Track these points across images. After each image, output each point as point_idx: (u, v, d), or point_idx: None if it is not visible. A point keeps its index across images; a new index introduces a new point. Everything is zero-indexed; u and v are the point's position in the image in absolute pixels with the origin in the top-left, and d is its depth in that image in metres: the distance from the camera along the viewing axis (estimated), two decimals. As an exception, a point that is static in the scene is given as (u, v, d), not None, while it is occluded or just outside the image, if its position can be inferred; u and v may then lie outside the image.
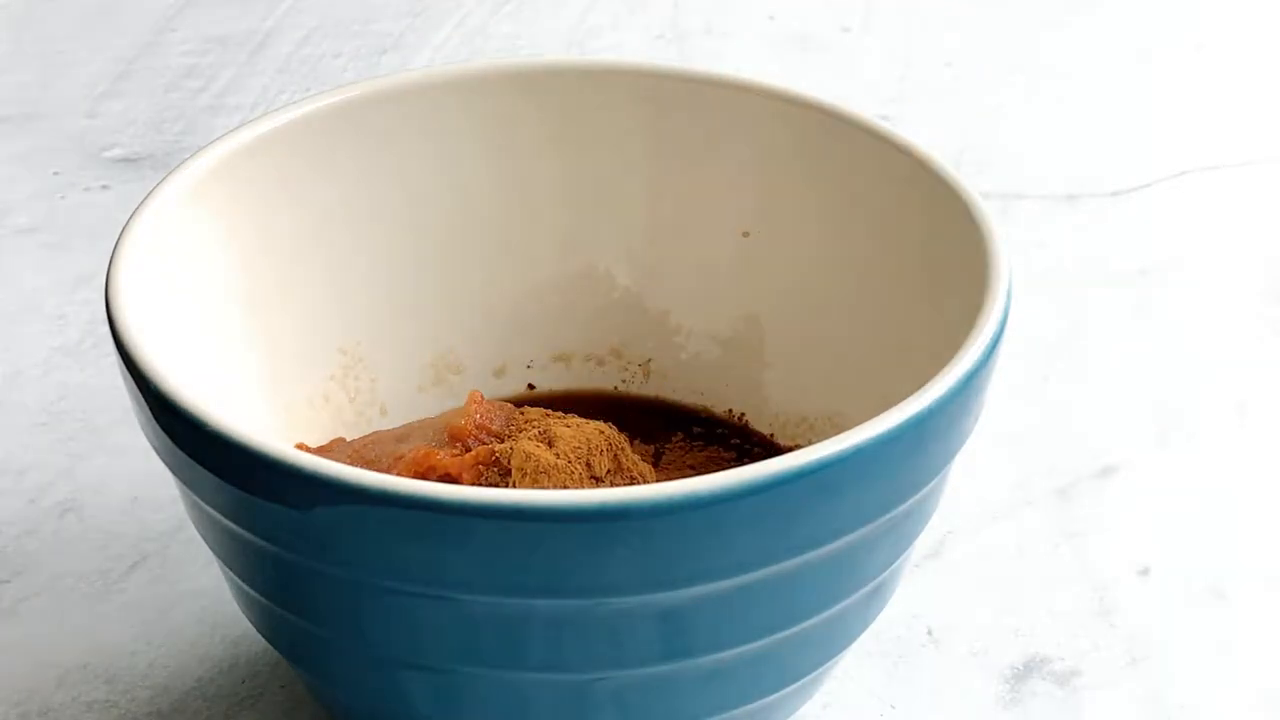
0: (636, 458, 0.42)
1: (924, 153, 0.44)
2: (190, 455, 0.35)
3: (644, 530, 0.32)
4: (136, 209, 0.40)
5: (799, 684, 0.39)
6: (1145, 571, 0.51)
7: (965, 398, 0.36)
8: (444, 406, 0.51)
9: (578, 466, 0.40)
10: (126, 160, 0.73)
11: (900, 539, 0.38)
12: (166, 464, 0.36)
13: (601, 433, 0.41)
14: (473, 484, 0.40)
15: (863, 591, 0.37)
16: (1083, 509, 0.53)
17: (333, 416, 0.48)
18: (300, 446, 0.42)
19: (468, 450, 0.41)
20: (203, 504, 0.36)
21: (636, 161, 0.49)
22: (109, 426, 0.54)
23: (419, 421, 0.45)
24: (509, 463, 0.39)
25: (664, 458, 0.48)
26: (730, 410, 0.50)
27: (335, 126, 0.46)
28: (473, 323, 0.51)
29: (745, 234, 0.49)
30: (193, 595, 0.48)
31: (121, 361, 0.37)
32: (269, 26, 0.85)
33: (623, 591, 0.33)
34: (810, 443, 0.36)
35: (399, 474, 0.39)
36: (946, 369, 0.35)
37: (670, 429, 0.50)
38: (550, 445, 0.40)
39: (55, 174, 0.71)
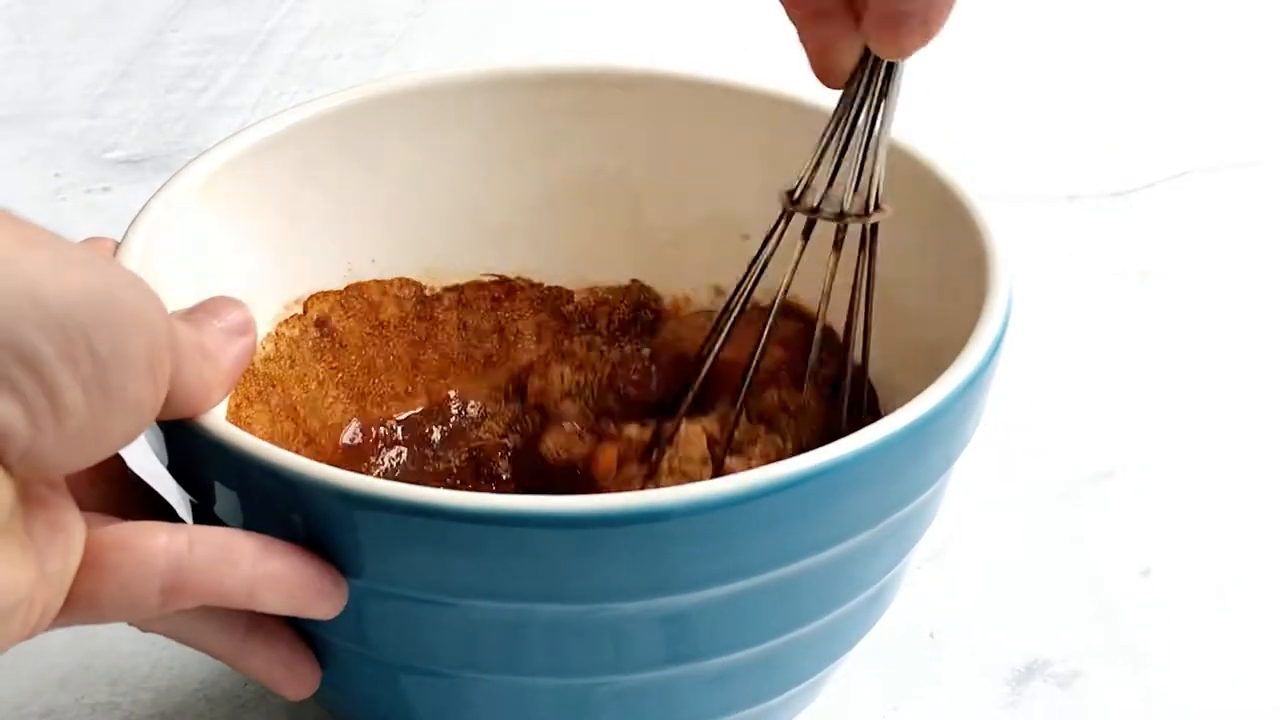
0: None
1: (924, 153, 0.44)
2: (192, 460, 0.35)
3: (645, 536, 0.32)
4: (140, 211, 0.40)
5: (801, 687, 0.39)
6: (1147, 573, 0.51)
7: (966, 402, 0.35)
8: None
9: None
10: (127, 161, 0.73)
11: (902, 542, 0.38)
12: (168, 469, 0.36)
13: None
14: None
15: (864, 595, 0.37)
16: (1084, 511, 0.54)
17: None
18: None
19: None
20: (205, 509, 0.36)
21: (638, 163, 0.49)
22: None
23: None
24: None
25: None
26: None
27: (337, 130, 0.46)
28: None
29: (745, 236, 0.49)
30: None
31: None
32: (269, 27, 0.85)
33: (624, 596, 0.33)
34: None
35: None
36: (947, 373, 0.35)
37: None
38: None
39: (56, 174, 0.71)
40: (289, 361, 0.45)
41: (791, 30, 0.40)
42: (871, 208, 0.40)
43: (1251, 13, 0.88)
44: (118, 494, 0.35)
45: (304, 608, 0.33)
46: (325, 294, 0.47)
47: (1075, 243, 0.68)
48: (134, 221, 0.40)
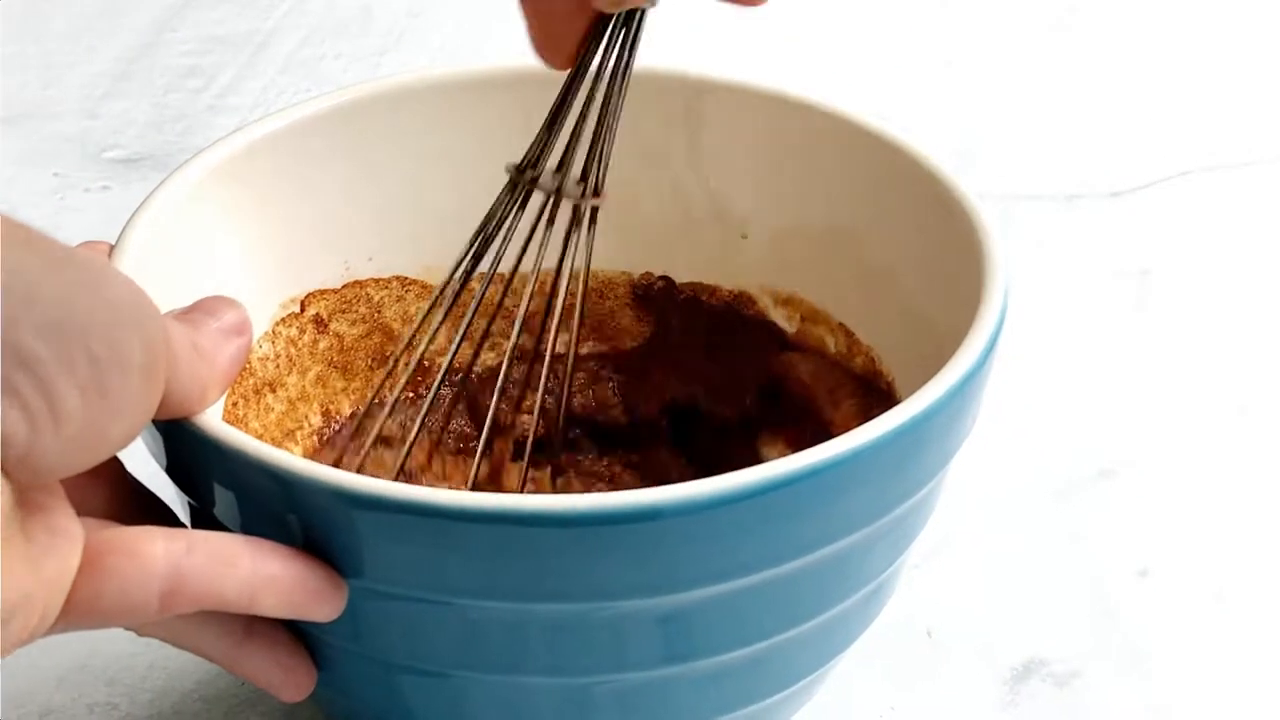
0: None
1: (924, 153, 0.44)
2: (188, 461, 0.35)
3: (640, 534, 0.32)
4: (137, 210, 0.40)
5: (798, 686, 0.39)
6: (1145, 572, 0.51)
7: (962, 400, 0.35)
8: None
9: None
10: (127, 160, 0.73)
11: (899, 541, 0.38)
12: (165, 469, 0.36)
13: None
14: None
15: (861, 593, 0.37)
16: (1082, 510, 0.53)
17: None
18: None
19: None
20: (201, 509, 0.36)
21: (637, 163, 0.49)
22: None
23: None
24: None
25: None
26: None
27: (335, 128, 0.46)
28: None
29: (744, 236, 0.49)
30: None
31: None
32: (269, 26, 0.85)
33: (622, 595, 0.33)
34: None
35: None
36: (942, 372, 0.35)
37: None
38: None
39: (55, 174, 0.71)
40: (286, 360, 0.45)
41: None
42: (590, 190, 0.40)
43: (1251, 13, 0.88)
44: (116, 498, 0.35)
45: (304, 611, 0.33)
46: (323, 292, 0.47)
47: (1075, 243, 0.68)
48: (129, 221, 0.40)
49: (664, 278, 0.50)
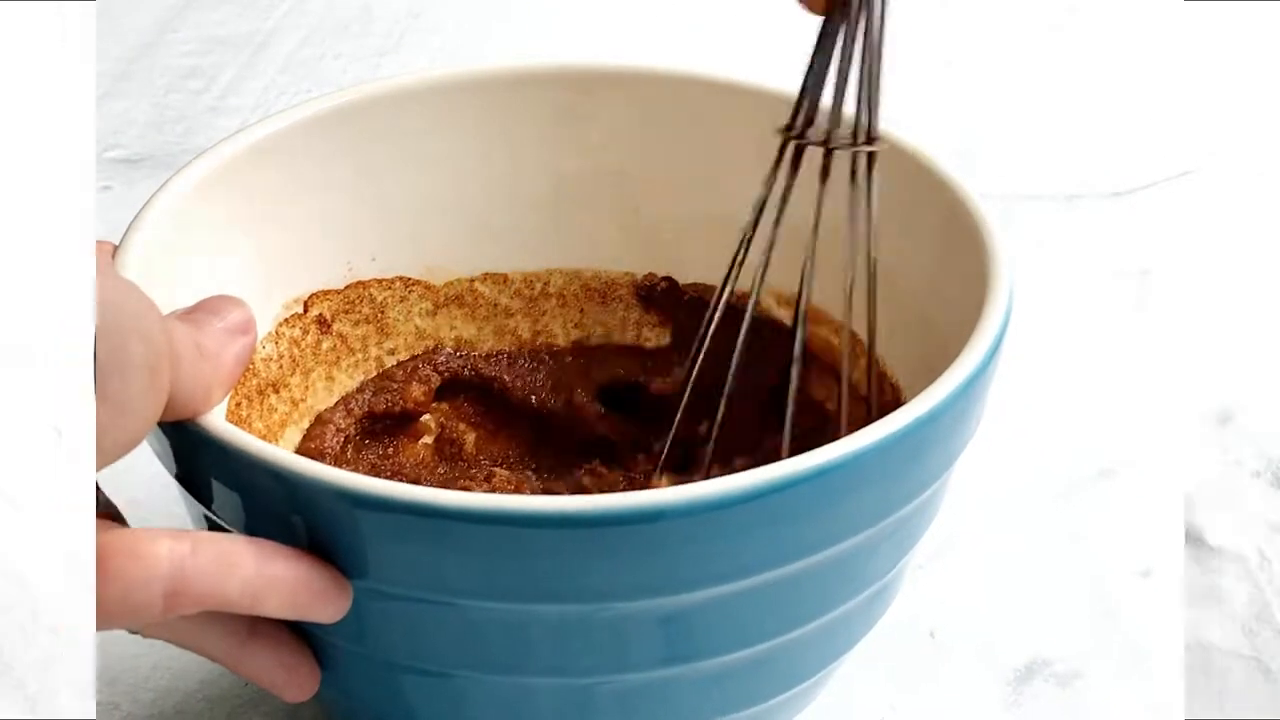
0: None
1: (924, 153, 0.43)
2: (192, 462, 0.35)
3: (643, 535, 0.31)
4: (140, 211, 0.40)
5: (801, 687, 0.39)
6: (1147, 573, 0.51)
7: (966, 402, 0.35)
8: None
9: None
10: (128, 160, 0.73)
11: (903, 542, 0.38)
12: (169, 470, 0.36)
13: None
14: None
15: (865, 595, 0.37)
16: (1083, 510, 0.53)
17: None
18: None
19: None
20: (206, 511, 0.36)
21: (636, 162, 0.49)
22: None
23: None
24: None
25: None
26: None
27: (336, 129, 0.46)
28: (475, 323, 0.51)
29: (746, 236, 0.49)
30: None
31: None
32: (270, 27, 0.85)
33: (623, 596, 0.33)
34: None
35: None
36: (947, 373, 0.35)
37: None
38: None
39: (56, 174, 0.71)
40: (290, 361, 0.45)
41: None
42: (862, 137, 0.39)
43: (1251, 13, 0.88)
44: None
45: (308, 612, 0.33)
46: (326, 293, 0.47)
47: (1075, 243, 0.68)
48: (133, 222, 0.40)
49: (667, 278, 0.50)
